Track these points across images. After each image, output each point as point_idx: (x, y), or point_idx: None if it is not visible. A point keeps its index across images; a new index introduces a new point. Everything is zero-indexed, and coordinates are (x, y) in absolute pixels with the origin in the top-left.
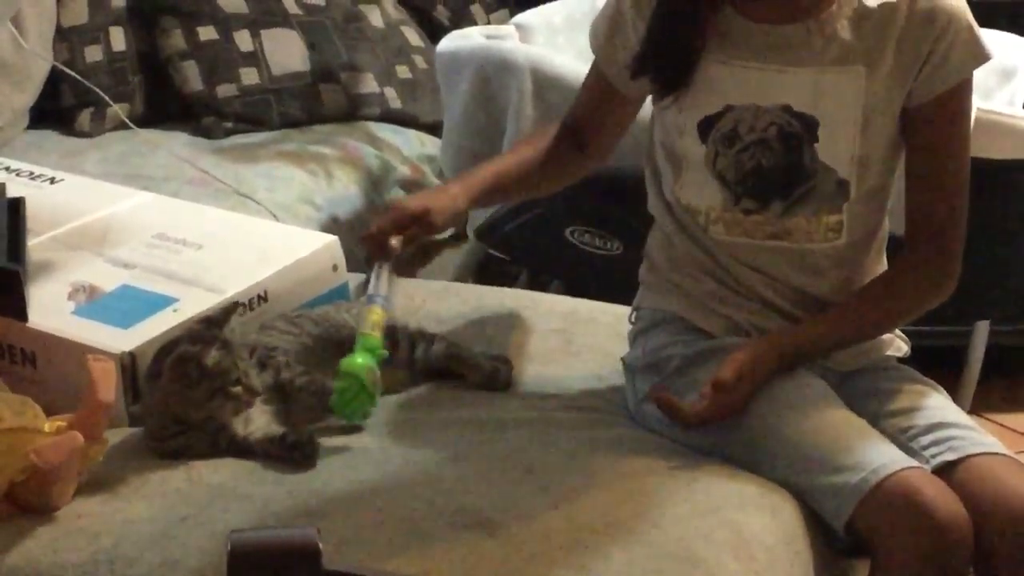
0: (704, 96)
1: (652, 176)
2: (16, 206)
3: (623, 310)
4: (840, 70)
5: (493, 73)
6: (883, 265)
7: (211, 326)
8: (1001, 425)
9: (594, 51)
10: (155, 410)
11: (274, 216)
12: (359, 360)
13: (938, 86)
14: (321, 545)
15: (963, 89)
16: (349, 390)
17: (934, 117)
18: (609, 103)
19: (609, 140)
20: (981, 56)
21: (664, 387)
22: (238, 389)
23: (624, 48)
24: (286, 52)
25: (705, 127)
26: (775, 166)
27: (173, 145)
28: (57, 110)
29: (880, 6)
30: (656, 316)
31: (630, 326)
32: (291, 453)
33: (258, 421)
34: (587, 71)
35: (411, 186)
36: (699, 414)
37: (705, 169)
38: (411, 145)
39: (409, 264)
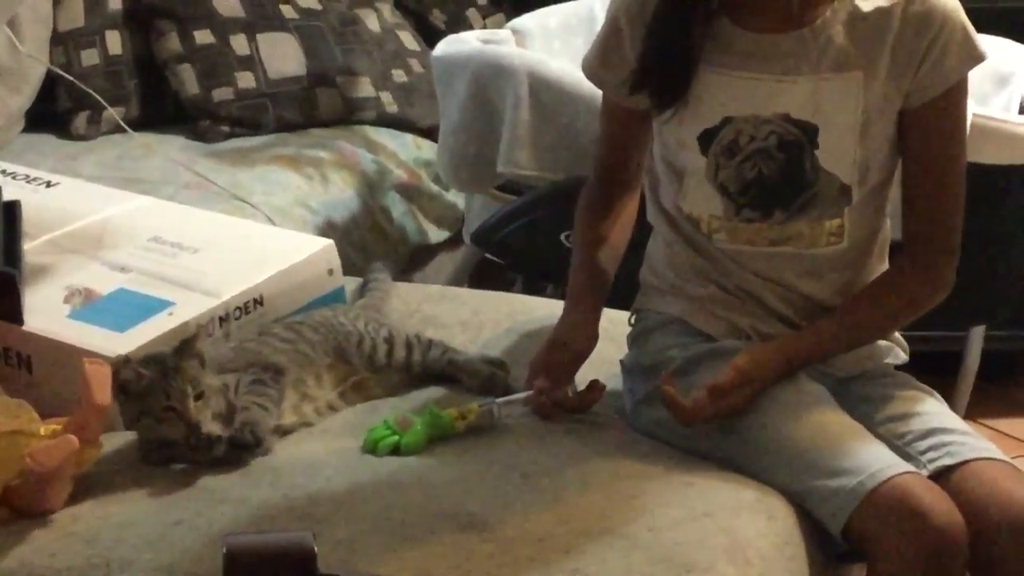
0: (703, 109)
1: (651, 186)
2: (12, 209)
3: (618, 314)
4: (837, 76)
5: (489, 78)
6: (885, 266)
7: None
8: (997, 431)
9: (592, 79)
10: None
11: (270, 220)
12: (418, 427)
13: (935, 88)
14: (316, 548)
15: (959, 90)
16: (385, 433)
17: (931, 119)
18: (628, 124)
19: (643, 162)
20: (976, 56)
21: (670, 379)
22: (169, 416)
23: (621, 66)
24: (282, 56)
25: (705, 140)
26: (776, 175)
27: (169, 149)
28: (53, 113)
29: (874, 10)
30: (656, 319)
31: (629, 328)
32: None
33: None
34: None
35: (407, 190)
36: (696, 414)
37: (706, 181)
38: (407, 149)
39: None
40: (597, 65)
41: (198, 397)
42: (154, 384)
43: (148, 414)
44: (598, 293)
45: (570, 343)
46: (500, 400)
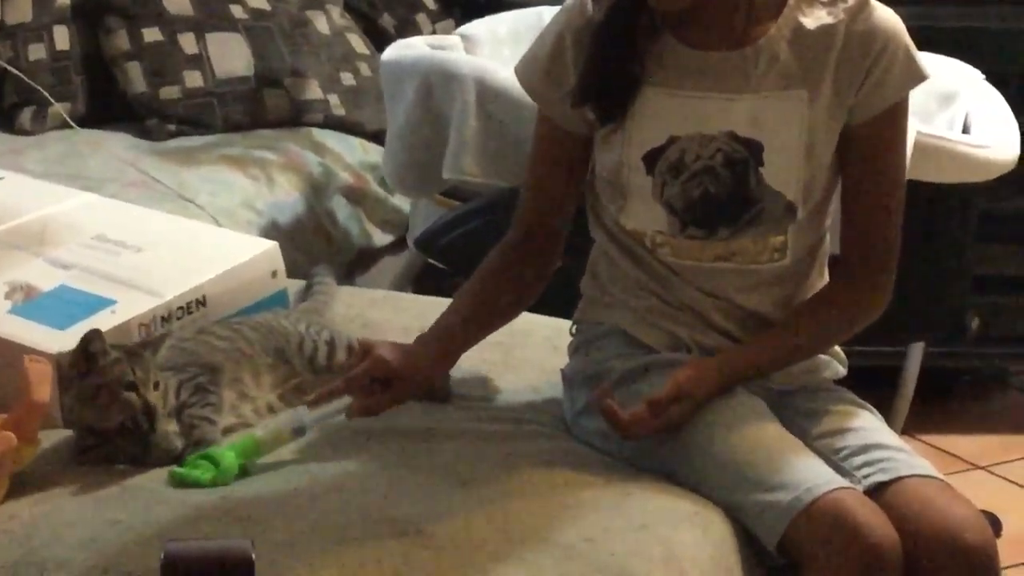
0: (648, 129)
1: (591, 202)
2: None
3: (561, 323)
4: (782, 94)
5: (437, 83)
6: (824, 280)
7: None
8: (933, 447)
9: (532, 95)
10: (70, 420)
11: (215, 220)
12: (229, 456)
13: (876, 106)
14: (254, 556)
15: (900, 109)
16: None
17: (871, 137)
18: (564, 149)
19: (571, 206)
20: (918, 76)
21: (610, 390)
22: (130, 395)
23: (564, 83)
24: (231, 56)
25: (651, 160)
26: (722, 192)
27: (115, 146)
28: None
29: (818, 28)
30: (597, 329)
31: (570, 338)
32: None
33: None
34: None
35: (353, 193)
36: (635, 427)
37: (651, 199)
38: (354, 153)
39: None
40: (538, 81)
41: (155, 387)
42: (120, 360)
43: (107, 387)
44: (460, 342)
45: (404, 362)
46: (309, 418)
